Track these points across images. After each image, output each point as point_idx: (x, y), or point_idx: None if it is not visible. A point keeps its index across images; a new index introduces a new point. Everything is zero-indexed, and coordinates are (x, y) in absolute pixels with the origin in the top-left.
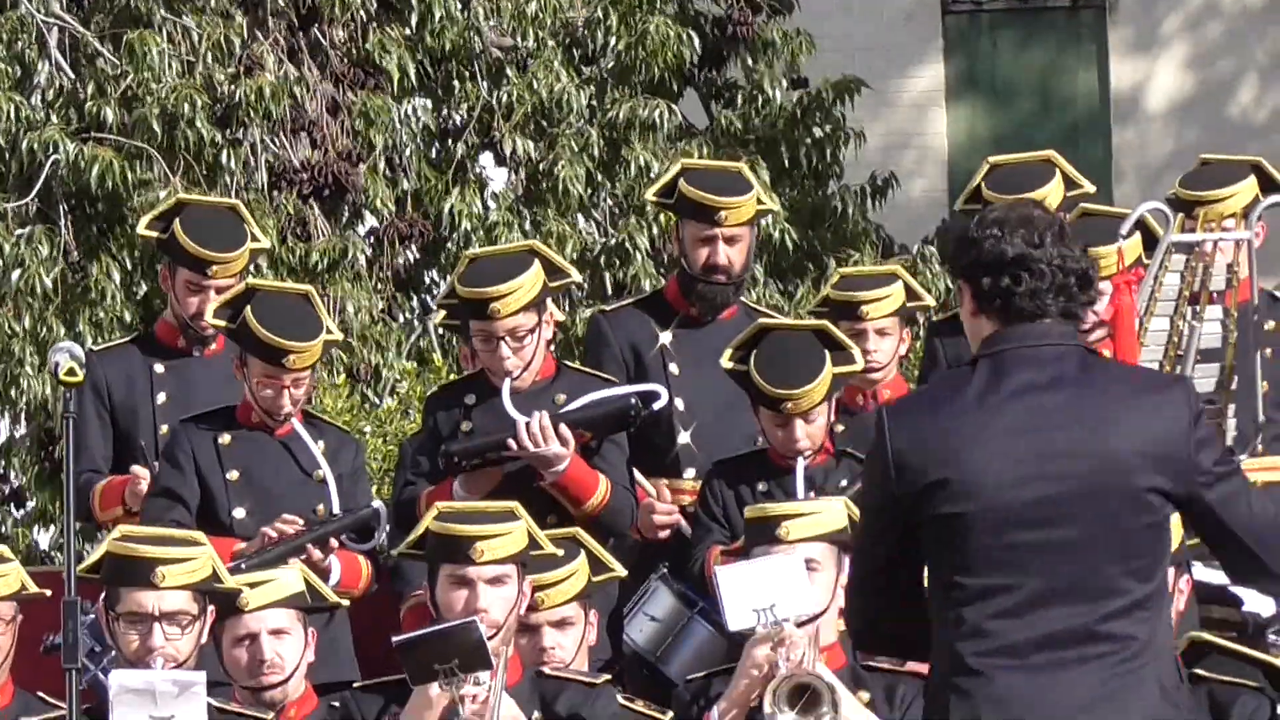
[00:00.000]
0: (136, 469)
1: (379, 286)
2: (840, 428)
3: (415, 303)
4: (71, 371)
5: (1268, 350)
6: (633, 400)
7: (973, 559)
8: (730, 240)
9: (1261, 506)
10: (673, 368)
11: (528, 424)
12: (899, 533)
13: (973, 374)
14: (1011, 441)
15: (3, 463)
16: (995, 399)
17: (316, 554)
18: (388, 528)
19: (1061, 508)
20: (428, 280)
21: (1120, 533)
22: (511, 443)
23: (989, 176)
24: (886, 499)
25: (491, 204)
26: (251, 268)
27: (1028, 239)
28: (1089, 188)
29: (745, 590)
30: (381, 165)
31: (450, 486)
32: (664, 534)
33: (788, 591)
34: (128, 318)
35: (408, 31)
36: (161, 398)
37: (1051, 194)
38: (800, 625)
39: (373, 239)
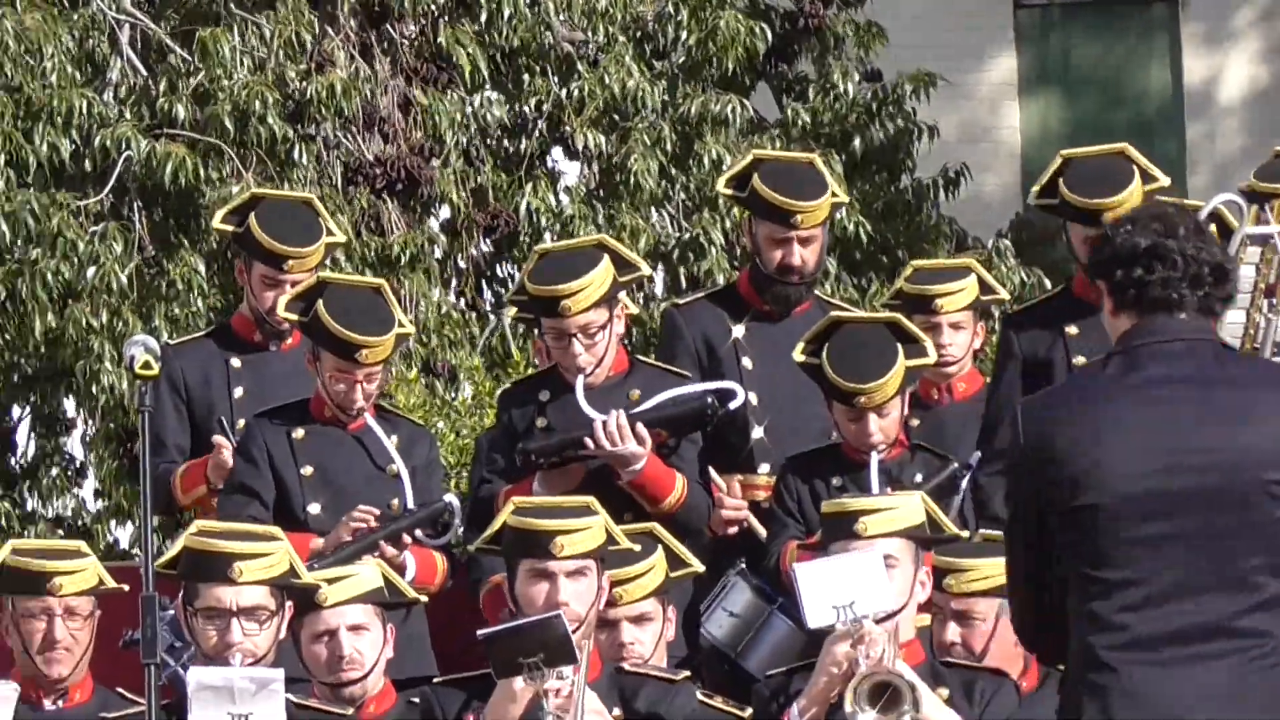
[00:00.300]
0: (218, 439)
1: (454, 281)
2: (915, 421)
3: (489, 295)
4: (147, 365)
5: None
6: (709, 400)
7: (1104, 552)
8: (805, 241)
9: None
10: (746, 362)
11: (605, 423)
12: (1044, 527)
13: (1105, 368)
14: (1144, 434)
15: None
16: (1127, 392)
17: (390, 550)
18: (462, 522)
19: (1194, 501)
20: (502, 274)
21: (1253, 527)
22: (588, 441)
23: (1066, 175)
24: (1028, 495)
25: (565, 198)
26: (327, 262)
27: (1160, 231)
28: (1164, 180)
29: (824, 587)
30: (455, 160)
31: (529, 485)
32: (732, 530)
33: (867, 588)
34: (203, 308)
35: (478, 27)
36: (238, 392)
37: (1132, 198)
38: (879, 622)
39: (445, 233)
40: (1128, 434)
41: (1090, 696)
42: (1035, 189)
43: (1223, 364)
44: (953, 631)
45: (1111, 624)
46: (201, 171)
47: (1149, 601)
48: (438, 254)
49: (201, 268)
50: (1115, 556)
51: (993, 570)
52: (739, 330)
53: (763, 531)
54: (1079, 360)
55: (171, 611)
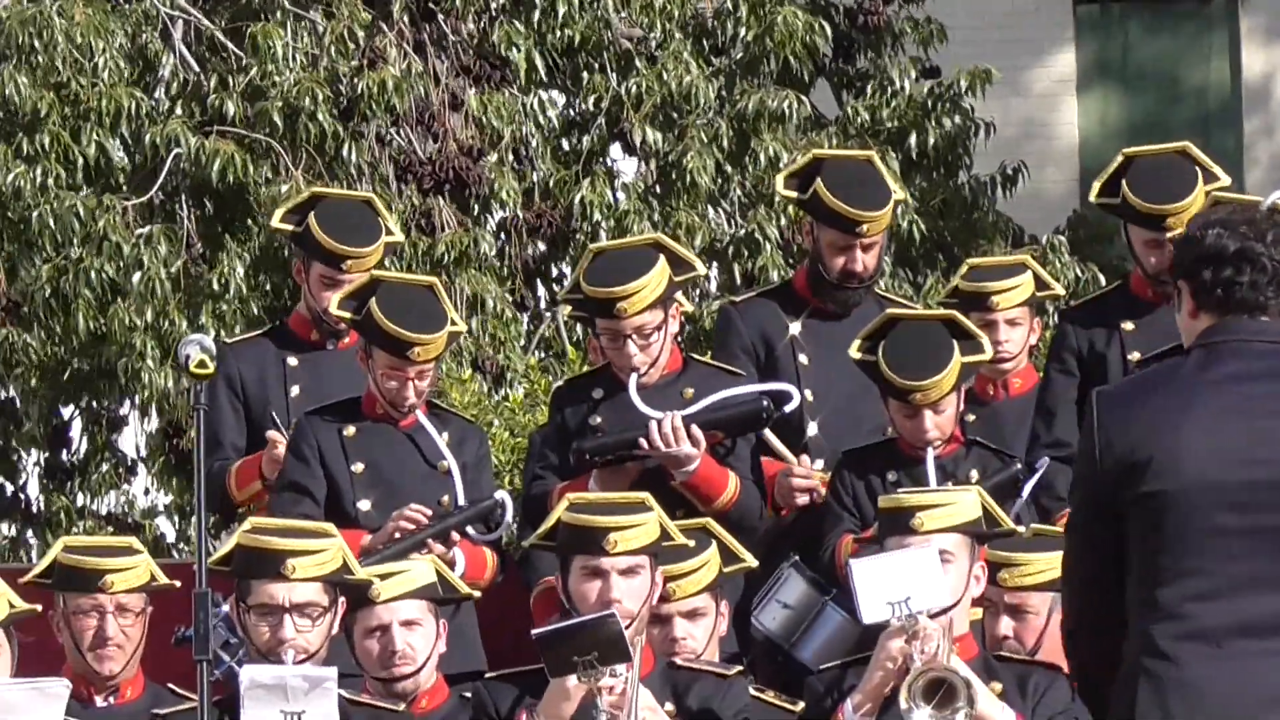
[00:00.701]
0: (272, 434)
1: (507, 279)
2: (971, 417)
3: (544, 293)
4: (202, 364)
5: None
6: (765, 402)
7: (1173, 540)
8: (868, 247)
9: None
10: (802, 358)
11: (659, 424)
12: (1105, 522)
13: (1185, 362)
14: (1219, 425)
15: (133, 455)
16: (1205, 385)
17: (439, 548)
18: (514, 519)
19: (1265, 494)
20: (555, 272)
21: None
22: (643, 442)
23: (1129, 175)
24: (1094, 484)
25: (621, 195)
26: (386, 261)
27: (1249, 235)
28: (1225, 179)
29: (880, 583)
30: (509, 158)
31: (585, 483)
32: (802, 500)
33: (922, 584)
34: (254, 310)
35: (533, 25)
36: (295, 390)
37: (1195, 203)
38: (934, 617)
39: (501, 232)
40: (1205, 425)
41: (1146, 685)
42: (1096, 186)
43: None
44: (1006, 625)
45: (1175, 613)
46: (250, 169)
47: (1216, 593)
48: (491, 252)
49: (240, 268)
50: (1185, 545)
51: (1047, 565)
52: (795, 327)
53: (783, 449)
54: (1134, 356)
55: (226, 608)
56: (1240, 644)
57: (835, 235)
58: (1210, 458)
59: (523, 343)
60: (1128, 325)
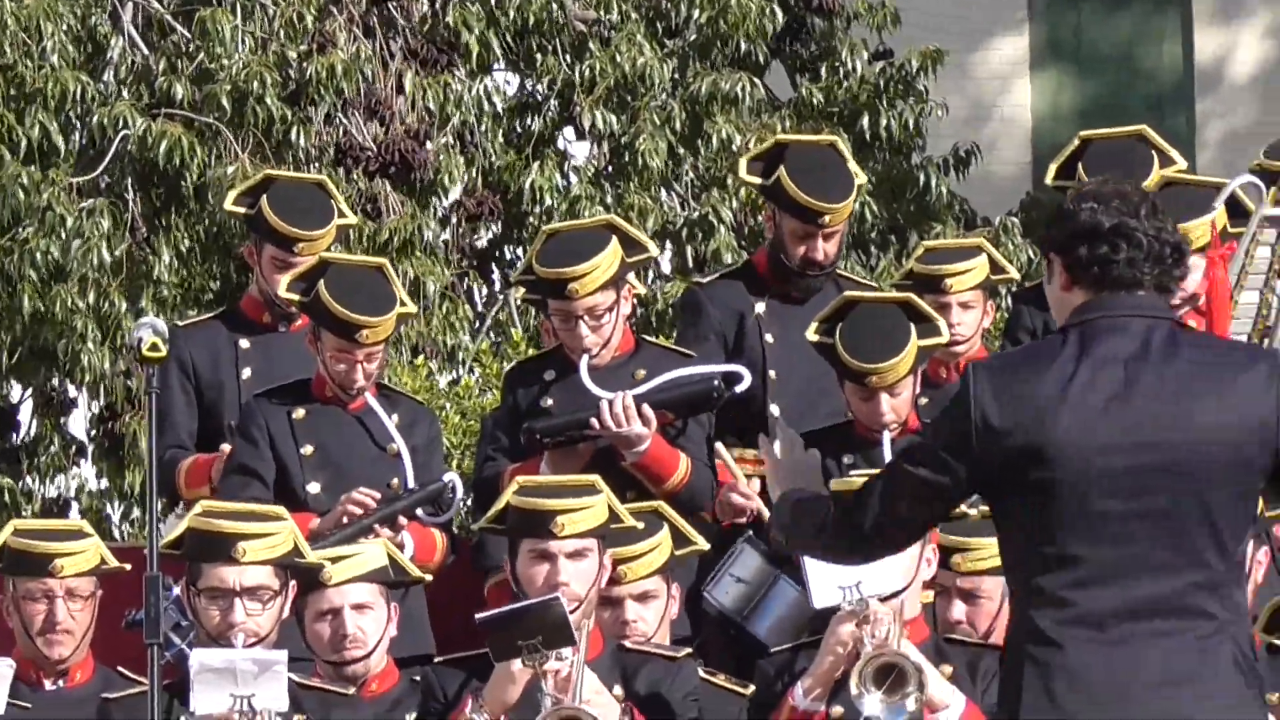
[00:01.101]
0: (225, 447)
1: (452, 263)
2: (923, 400)
3: (496, 277)
4: (154, 347)
5: None
6: (716, 382)
7: (1056, 526)
8: (829, 236)
9: None
10: (768, 338)
11: (610, 404)
12: (958, 492)
13: (1063, 343)
14: (1101, 409)
15: (82, 438)
16: (1085, 367)
17: (386, 532)
18: (464, 501)
19: (1149, 478)
20: (509, 255)
21: (1205, 505)
22: (594, 422)
23: (1085, 158)
24: (961, 450)
25: (573, 177)
26: (337, 243)
27: (1123, 210)
28: (1181, 163)
29: (830, 569)
30: (455, 142)
31: (536, 465)
32: (739, 519)
33: (873, 569)
34: (196, 295)
35: (488, 7)
36: (247, 373)
37: (1151, 183)
38: (884, 600)
39: (450, 216)
40: (1084, 408)
41: (1031, 671)
42: (1053, 169)
43: (1178, 342)
44: (959, 610)
45: (1059, 599)
46: (198, 151)
47: (1100, 578)
48: (444, 236)
49: (182, 252)
50: (1066, 531)
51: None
52: (760, 307)
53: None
54: None
55: (176, 591)
56: (1125, 628)
57: (797, 224)
58: (1090, 444)
59: (476, 326)
60: None
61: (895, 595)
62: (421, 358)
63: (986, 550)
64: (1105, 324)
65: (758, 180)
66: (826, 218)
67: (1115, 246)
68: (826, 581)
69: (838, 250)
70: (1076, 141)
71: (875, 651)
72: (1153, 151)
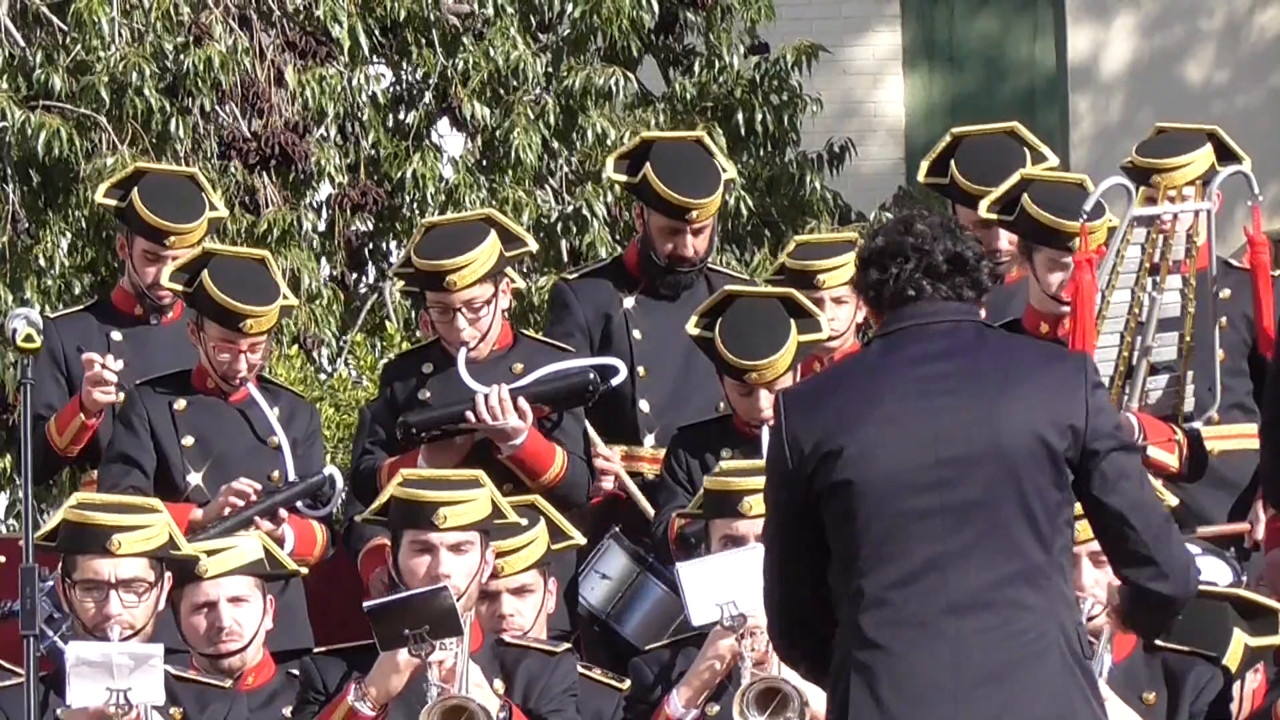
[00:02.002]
0: (88, 355)
1: (331, 256)
2: (772, 407)
3: (372, 270)
4: (29, 338)
5: (1223, 319)
6: (591, 375)
7: (868, 528)
8: (698, 231)
9: (1150, 493)
10: (636, 334)
11: (486, 397)
12: (805, 519)
13: (867, 353)
14: (903, 408)
15: None
16: (886, 371)
17: (267, 525)
18: (342, 494)
19: (958, 471)
20: (385, 248)
21: (1016, 497)
22: (469, 415)
23: (957, 155)
24: (786, 481)
25: (449, 170)
26: (210, 237)
27: (897, 230)
28: (1053, 159)
29: (707, 585)
30: (333, 134)
31: (414, 459)
32: (606, 484)
33: (750, 584)
34: (76, 288)
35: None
36: (118, 365)
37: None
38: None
39: (326, 209)
40: (889, 410)
41: (857, 676)
42: (924, 166)
43: (984, 339)
44: None
45: (880, 600)
46: (77, 143)
47: (917, 576)
48: (321, 228)
49: (64, 243)
50: (880, 532)
51: None
52: (629, 302)
53: (640, 497)
54: None
55: (51, 583)
56: (947, 623)
57: (665, 221)
58: (895, 442)
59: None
60: None
61: None
62: (296, 348)
63: None
64: (907, 333)
65: (624, 178)
66: (693, 213)
67: (883, 267)
68: (703, 598)
69: (708, 246)
70: (948, 138)
71: (757, 677)
72: (1024, 148)
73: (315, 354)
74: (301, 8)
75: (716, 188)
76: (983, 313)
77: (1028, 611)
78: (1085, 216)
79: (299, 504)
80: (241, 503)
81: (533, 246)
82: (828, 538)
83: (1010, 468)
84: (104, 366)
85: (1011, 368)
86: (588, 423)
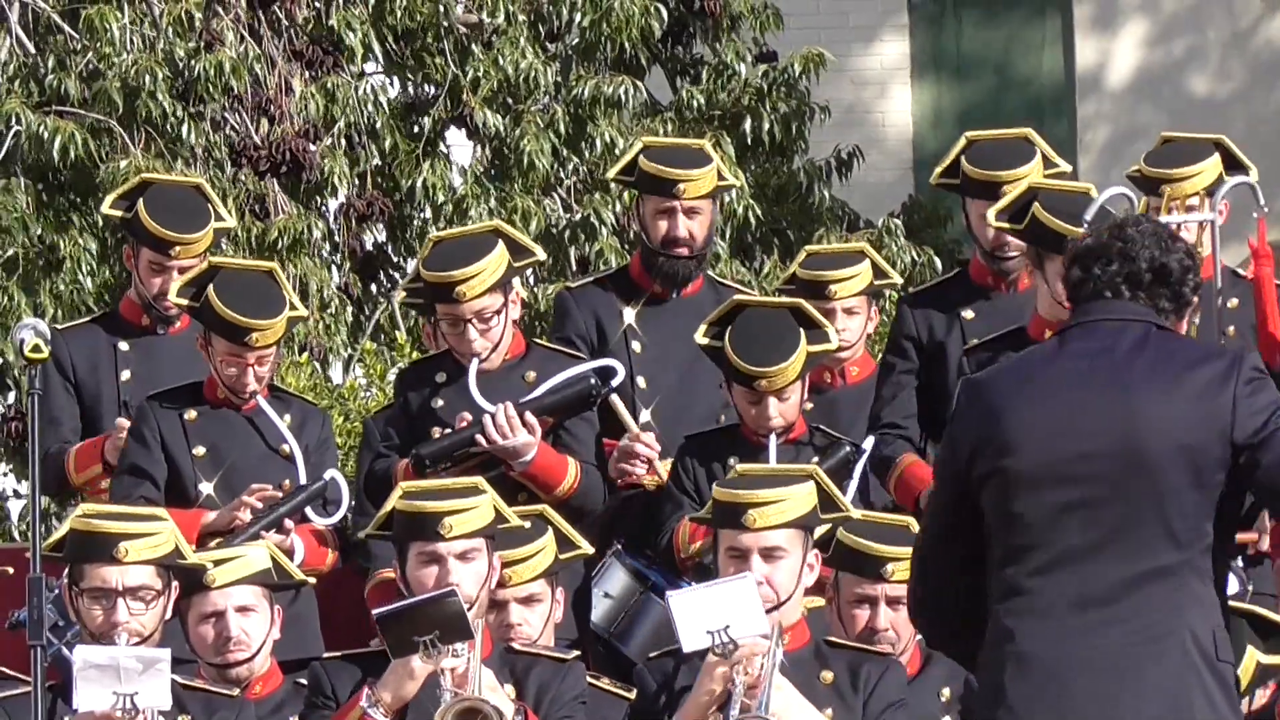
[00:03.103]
0: (121, 420)
1: (340, 264)
2: (809, 405)
3: (383, 279)
4: (37, 348)
5: (1230, 328)
6: (591, 380)
7: (1014, 517)
8: (690, 213)
9: None
10: (635, 346)
11: (494, 417)
12: (964, 505)
13: (1042, 346)
14: (1050, 400)
15: None
16: (1048, 363)
17: (275, 537)
18: (349, 500)
19: (1094, 466)
20: (395, 258)
21: (1153, 496)
22: (480, 438)
23: (968, 152)
24: (949, 469)
25: (458, 178)
26: (222, 244)
27: (1109, 233)
28: (1065, 167)
29: (698, 613)
30: (341, 143)
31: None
32: (639, 470)
33: (741, 613)
34: (92, 286)
35: (370, 9)
36: (125, 375)
37: (1032, 174)
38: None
39: (335, 219)
40: (1042, 402)
41: (990, 660)
42: (938, 170)
43: (1147, 339)
44: (885, 618)
45: (1018, 588)
46: (93, 146)
47: (1053, 567)
48: (324, 238)
49: (94, 246)
50: (1025, 522)
51: None
52: (630, 314)
53: (629, 419)
54: (973, 344)
55: (56, 591)
56: (1073, 616)
57: (656, 201)
58: (1045, 434)
59: (362, 329)
60: (968, 314)
61: (777, 607)
62: (305, 355)
63: None
64: (1081, 329)
65: (625, 179)
66: (681, 186)
67: (1087, 267)
68: (694, 625)
69: (704, 236)
70: (963, 141)
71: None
72: (1036, 150)
73: (322, 363)
74: (312, 17)
75: (706, 165)
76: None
77: (1155, 610)
78: (1087, 226)
79: (312, 514)
80: (261, 507)
81: (541, 257)
82: (985, 526)
83: (1148, 467)
84: None
85: (1161, 365)
86: (624, 409)
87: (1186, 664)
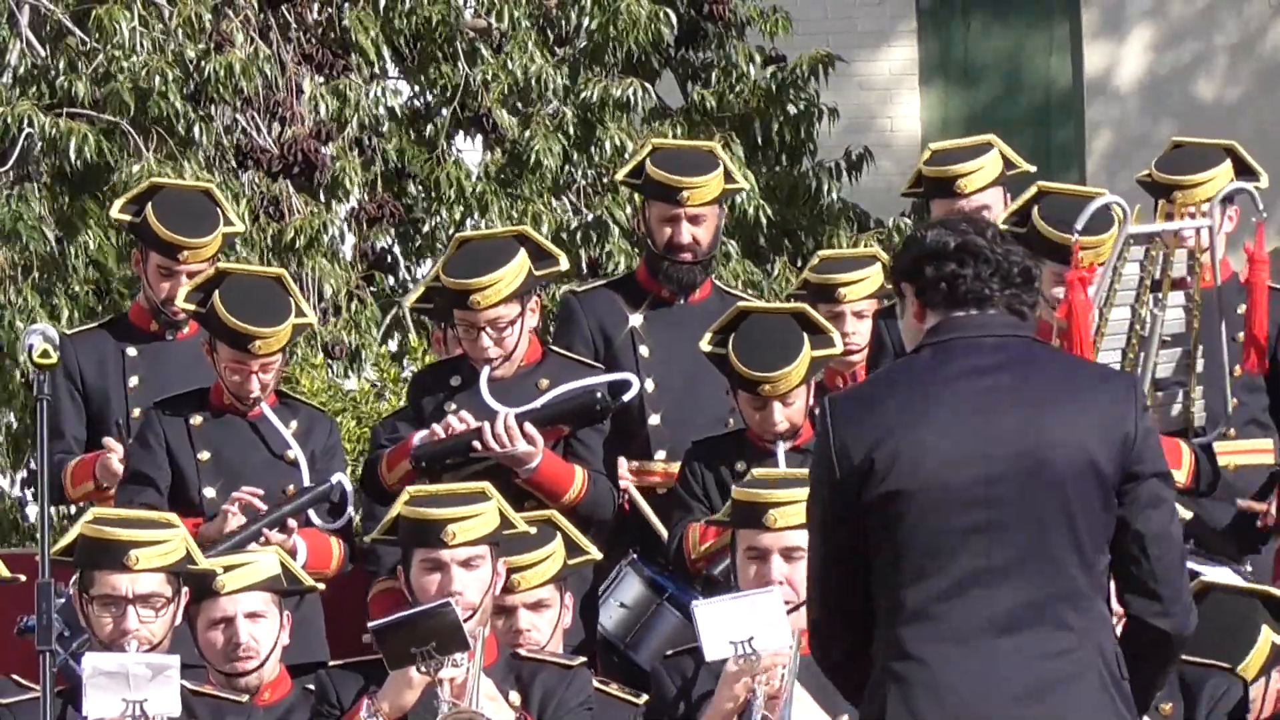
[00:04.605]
0: (108, 440)
1: (357, 267)
2: (819, 410)
3: (393, 281)
4: (45, 354)
5: (1240, 334)
6: (599, 394)
7: (913, 539)
8: (694, 219)
9: (1177, 528)
10: (643, 350)
11: (492, 424)
12: (851, 525)
13: (916, 361)
14: (952, 422)
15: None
16: (936, 383)
17: (277, 536)
18: (354, 500)
19: (1001, 489)
20: (406, 261)
21: (1063, 517)
22: (477, 444)
23: (928, 159)
24: (832, 489)
25: (469, 181)
26: (235, 246)
27: (969, 230)
28: (1028, 168)
29: (723, 624)
30: (351, 146)
31: (408, 446)
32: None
33: (765, 626)
34: (105, 292)
35: (380, 10)
36: (134, 381)
37: (988, 166)
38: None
39: (350, 221)
40: (942, 423)
41: (895, 689)
42: (907, 182)
43: (1035, 356)
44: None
45: (921, 614)
46: (105, 148)
47: (958, 591)
48: (337, 238)
49: (111, 240)
50: (927, 545)
51: None
52: (636, 318)
53: (650, 513)
54: None
55: (65, 598)
56: (987, 641)
57: (661, 207)
58: (942, 456)
59: (372, 330)
60: None
61: (795, 609)
62: (321, 356)
63: None
64: (960, 343)
65: (632, 181)
66: (685, 193)
67: (962, 262)
68: (718, 635)
69: (710, 242)
70: (928, 152)
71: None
72: (997, 151)
73: (341, 362)
74: (321, 20)
75: (711, 172)
76: None
77: (1068, 633)
78: (1077, 234)
79: (318, 519)
80: (260, 506)
81: (564, 265)
82: (869, 547)
83: (1058, 487)
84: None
85: (1062, 386)
86: (645, 504)
87: (1101, 686)
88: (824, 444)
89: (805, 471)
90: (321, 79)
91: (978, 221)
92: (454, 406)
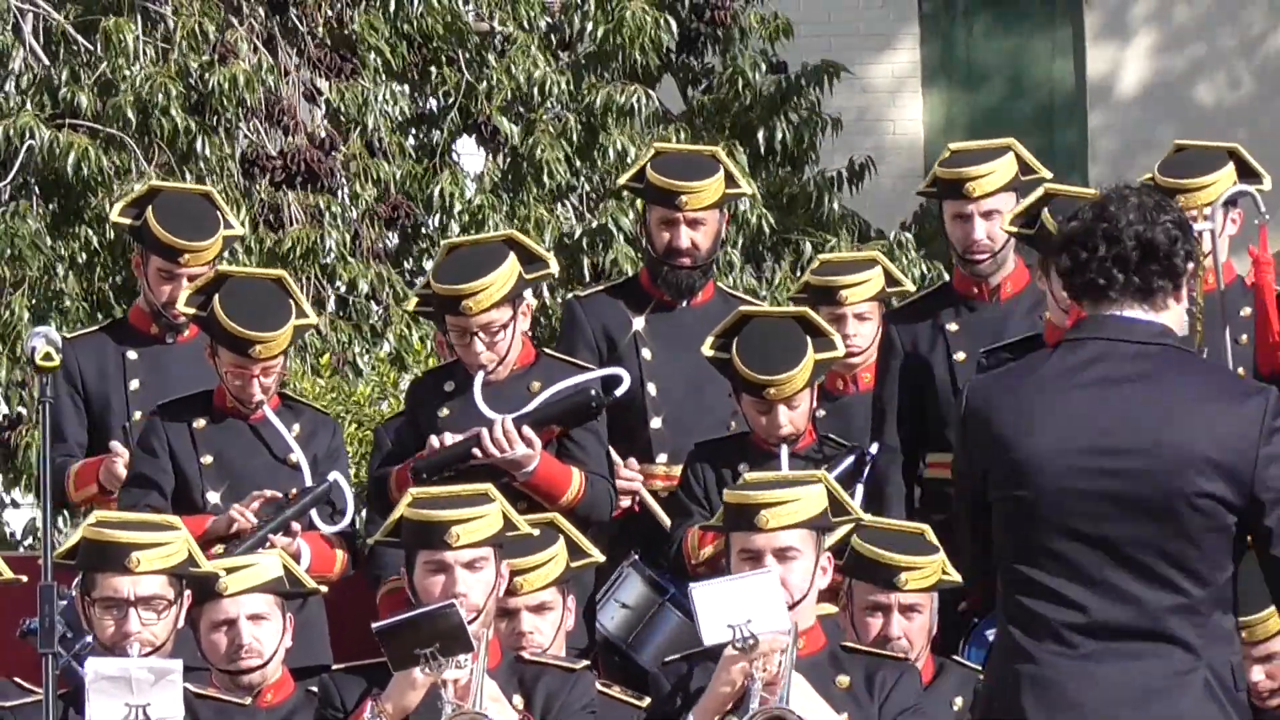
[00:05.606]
0: (115, 444)
1: (370, 269)
2: (821, 412)
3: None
4: (48, 356)
5: (1244, 336)
6: (592, 391)
7: (1030, 544)
8: (693, 224)
9: None
10: (645, 353)
11: (490, 430)
12: (985, 512)
13: (1049, 359)
14: (1075, 431)
15: None
16: (1071, 388)
17: (281, 540)
18: (354, 506)
19: (1119, 502)
20: (410, 265)
21: (1177, 533)
22: (477, 451)
23: (945, 159)
24: (966, 479)
25: (472, 186)
26: (225, 254)
27: (1091, 215)
28: (1045, 174)
29: (720, 607)
30: (358, 152)
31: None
32: (624, 502)
33: (763, 609)
34: (98, 302)
35: (386, 14)
36: (134, 384)
37: (1000, 171)
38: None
39: (354, 224)
40: (1060, 429)
41: (1006, 684)
42: (925, 181)
43: (1168, 366)
44: (898, 626)
45: (1035, 613)
46: (104, 162)
47: (1069, 596)
48: (342, 245)
49: (61, 267)
50: (1039, 549)
51: (933, 565)
52: (639, 322)
53: (661, 513)
54: (959, 357)
55: (67, 600)
56: (1091, 646)
57: (660, 211)
58: (1063, 464)
59: (369, 336)
60: (952, 326)
61: (795, 605)
62: (326, 357)
63: (929, 568)
64: (1095, 345)
65: (635, 185)
66: (684, 198)
67: (1075, 255)
68: (716, 619)
69: (709, 246)
70: (946, 152)
71: (762, 708)
72: (1014, 154)
73: (340, 370)
74: (326, 22)
75: (711, 176)
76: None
77: (1177, 645)
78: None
79: (320, 522)
80: (253, 520)
81: (553, 268)
82: (997, 539)
83: (1169, 505)
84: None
85: (1187, 401)
86: (613, 453)
87: (1208, 697)
88: (959, 432)
89: (798, 474)
90: (333, 82)
91: (1103, 201)
92: (446, 412)
